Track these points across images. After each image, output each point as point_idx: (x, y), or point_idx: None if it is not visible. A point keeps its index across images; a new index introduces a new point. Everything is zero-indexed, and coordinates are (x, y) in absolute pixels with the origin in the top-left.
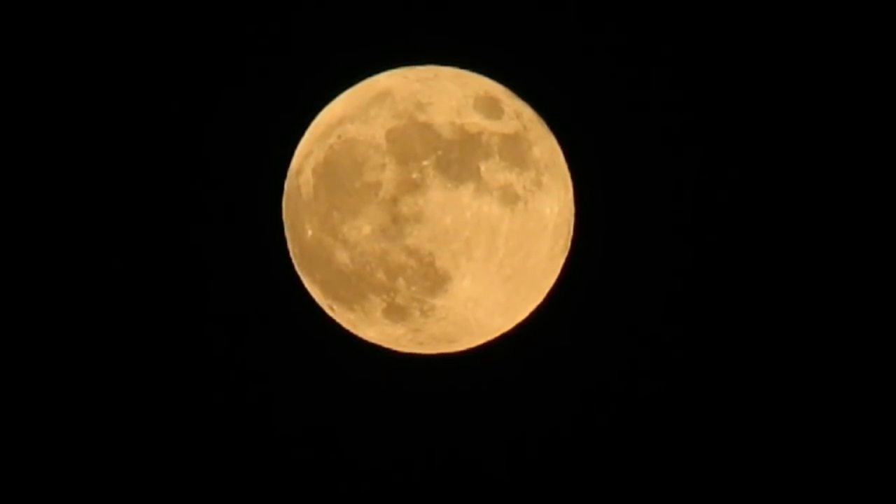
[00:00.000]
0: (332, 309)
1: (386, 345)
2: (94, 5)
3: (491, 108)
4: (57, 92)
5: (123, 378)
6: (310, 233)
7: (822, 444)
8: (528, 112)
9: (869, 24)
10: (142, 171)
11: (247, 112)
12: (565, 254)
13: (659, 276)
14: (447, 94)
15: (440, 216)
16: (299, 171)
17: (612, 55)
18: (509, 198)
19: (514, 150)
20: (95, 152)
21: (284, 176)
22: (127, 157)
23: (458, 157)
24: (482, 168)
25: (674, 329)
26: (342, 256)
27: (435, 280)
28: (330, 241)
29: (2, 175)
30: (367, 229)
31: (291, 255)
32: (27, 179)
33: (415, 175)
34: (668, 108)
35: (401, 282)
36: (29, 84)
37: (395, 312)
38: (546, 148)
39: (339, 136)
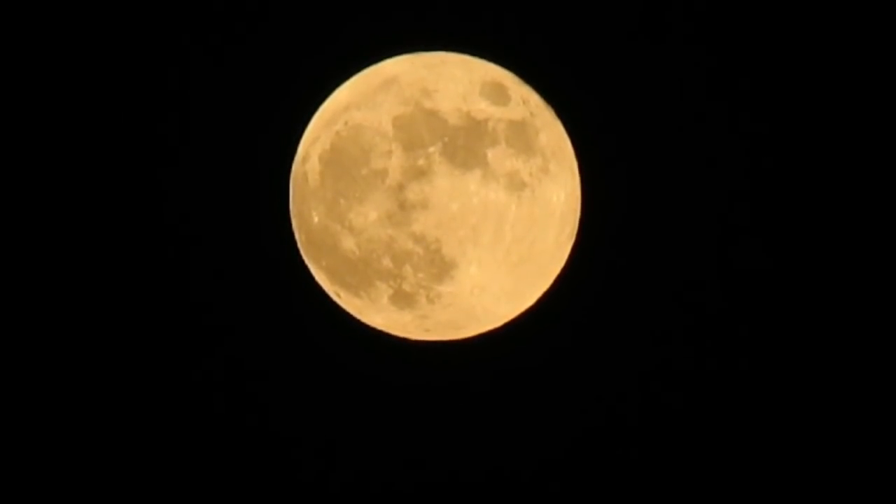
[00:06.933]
0: (338, 296)
1: (392, 331)
2: None
3: (498, 95)
4: (63, 86)
5: (130, 367)
6: (316, 219)
7: (824, 443)
8: (534, 98)
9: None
10: (146, 161)
11: (254, 99)
12: (572, 241)
13: (665, 264)
14: (454, 81)
15: (447, 203)
16: (306, 158)
17: (619, 41)
18: (516, 185)
19: (520, 136)
20: (101, 139)
21: (291, 163)
22: (130, 148)
23: (465, 143)
24: (489, 155)
25: (679, 316)
26: (349, 243)
27: (441, 267)
28: (336, 227)
29: (4, 173)
30: (373, 216)
31: (298, 241)
32: (30, 176)
33: (421, 162)
34: (675, 96)
35: (407, 268)
36: (34, 81)
37: (402, 299)
38: (553, 135)
39: (346, 123)
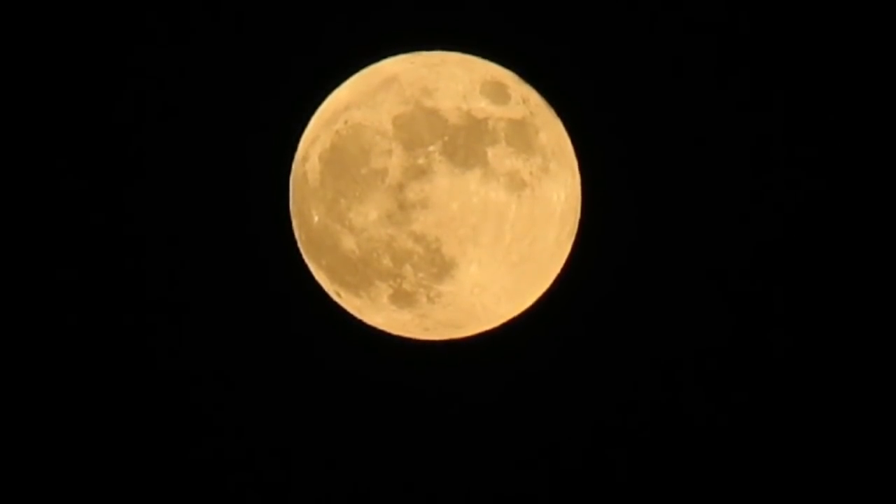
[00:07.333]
0: (338, 295)
1: (392, 331)
2: None
3: (497, 94)
4: (62, 85)
5: (127, 367)
6: (316, 219)
7: (828, 444)
8: (534, 97)
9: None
10: (146, 161)
11: (254, 98)
12: (572, 240)
13: (665, 262)
14: (454, 80)
15: (447, 202)
16: (306, 158)
17: (619, 40)
18: (516, 184)
19: (520, 135)
20: (101, 139)
21: (291, 162)
22: (130, 148)
23: (465, 142)
24: (489, 154)
25: (679, 315)
26: (349, 242)
27: (441, 266)
28: (336, 227)
29: (10, 171)
30: (373, 215)
31: (298, 241)
32: (29, 177)
33: (421, 161)
34: (675, 95)
35: (407, 268)
36: (34, 82)
37: (402, 298)
38: (553, 134)
39: (346, 122)
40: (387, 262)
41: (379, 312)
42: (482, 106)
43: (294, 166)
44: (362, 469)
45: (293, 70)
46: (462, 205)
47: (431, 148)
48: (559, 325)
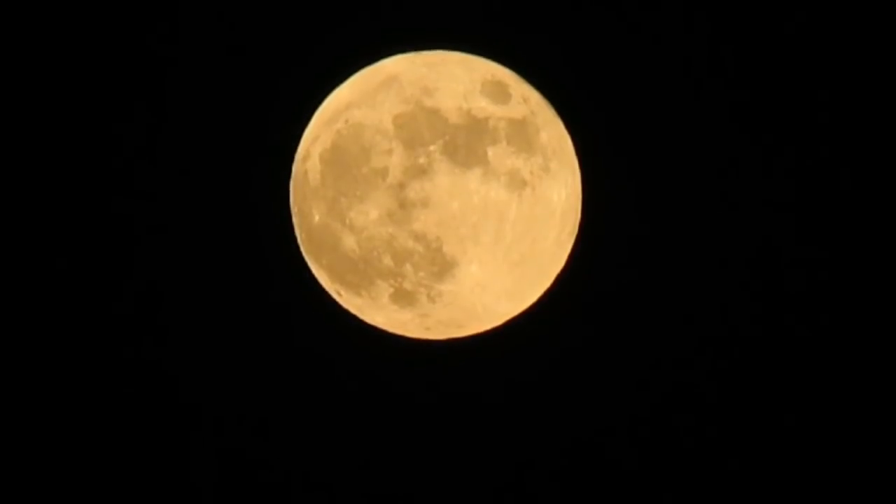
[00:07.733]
0: (339, 294)
1: (393, 330)
2: None
3: (498, 93)
4: (63, 85)
5: (127, 366)
6: (317, 218)
7: (826, 446)
8: (535, 97)
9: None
10: (146, 160)
11: (254, 97)
12: (573, 239)
13: (665, 262)
14: (454, 79)
15: (447, 201)
16: (306, 157)
17: (620, 39)
18: (517, 183)
19: (521, 134)
20: (102, 138)
21: (291, 161)
22: (130, 148)
23: (466, 142)
24: (489, 153)
25: (679, 314)
26: (349, 242)
27: (442, 265)
28: (337, 226)
29: (12, 171)
30: (374, 214)
31: (299, 240)
32: (31, 177)
33: (422, 160)
34: (676, 94)
35: (408, 267)
36: (35, 82)
37: (403, 298)
38: (553, 133)
39: (347, 122)
40: (387, 261)
41: (379, 312)
42: (483, 105)
43: (294, 165)
44: (363, 469)
45: (294, 69)
46: (462, 204)
47: (432, 147)
48: (560, 325)
